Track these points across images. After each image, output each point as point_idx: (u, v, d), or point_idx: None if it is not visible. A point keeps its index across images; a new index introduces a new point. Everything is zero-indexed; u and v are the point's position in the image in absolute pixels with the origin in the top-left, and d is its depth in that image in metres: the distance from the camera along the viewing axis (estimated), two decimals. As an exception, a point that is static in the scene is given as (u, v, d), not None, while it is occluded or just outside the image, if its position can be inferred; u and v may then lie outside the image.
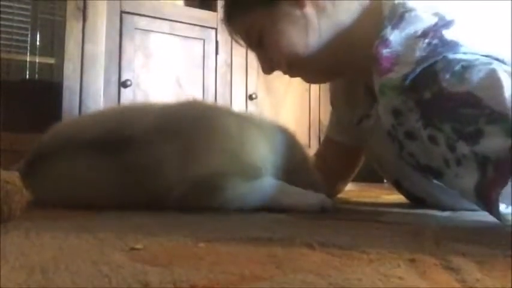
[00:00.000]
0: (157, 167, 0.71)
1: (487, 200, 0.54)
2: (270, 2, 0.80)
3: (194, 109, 0.83)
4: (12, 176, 0.52)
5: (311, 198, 0.74)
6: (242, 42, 0.89)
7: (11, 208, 0.50)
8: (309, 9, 0.79)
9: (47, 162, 0.74)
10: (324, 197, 0.75)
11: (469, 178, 0.56)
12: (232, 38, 0.91)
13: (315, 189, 0.77)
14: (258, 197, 0.72)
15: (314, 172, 0.87)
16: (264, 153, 0.77)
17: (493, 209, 0.54)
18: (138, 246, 0.40)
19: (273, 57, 0.84)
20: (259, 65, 0.90)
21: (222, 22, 0.90)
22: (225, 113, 0.84)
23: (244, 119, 0.83)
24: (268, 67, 0.88)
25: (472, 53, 0.62)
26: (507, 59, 0.62)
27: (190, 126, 0.75)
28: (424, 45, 0.64)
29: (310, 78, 0.90)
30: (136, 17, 1.93)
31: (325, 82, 0.96)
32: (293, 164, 0.80)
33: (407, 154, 0.72)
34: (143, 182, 0.70)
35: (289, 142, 0.84)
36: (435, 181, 0.72)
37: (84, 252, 0.38)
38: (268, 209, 0.71)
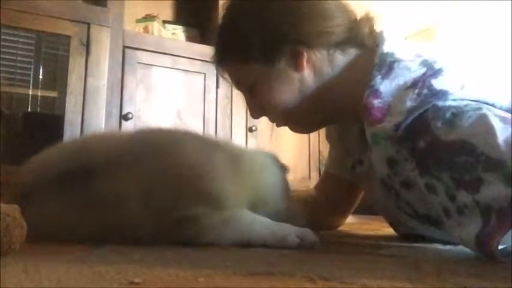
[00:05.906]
0: (120, 202, 0.66)
1: (487, 248, 0.53)
2: (268, 61, 0.79)
3: (153, 137, 0.77)
4: (13, 209, 0.52)
5: (290, 232, 0.66)
6: (229, 81, 0.89)
7: (10, 241, 0.50)
8: (307, 71, 0.79)
9: (35, 196, 0.71)
10: (305, 231, 0.67)
11: (472, 227, 0.55)
12: (219, 74, 0.90)
13: (294, 220, 0.71)
14: (233, 231, 0.66)
15: (293, 202, 0.85)
16: (232, 180, 0.71)
17: (492, 256, 0.54)
18: (137, 280, 0.40)
19: (263, 107, 0.85)
20: (248, 108, 0.90)
21: (211, 60, 0.88)
22: (186, 139, 0.77)
23: (208, 144, 0.79)
24: (256, 113, 0.88)
25: (461, 99, 0.62)
26: (497, 101, 0.62)
27: (150, 155, 0.69)
28: (414, 95, 0.64)
29: (297, 129, 0.89)
30: (138, 52, 1.97)
31: (312, 131, 0.94)
32: (271, 194, 0.78)
33: (404, 203, 0.71)
34: (108, 217, 0.65)
35: (266, 169, 0.80)
36: (433, 228, 0.71)
37: (83, 286, 0.37)
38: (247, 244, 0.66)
